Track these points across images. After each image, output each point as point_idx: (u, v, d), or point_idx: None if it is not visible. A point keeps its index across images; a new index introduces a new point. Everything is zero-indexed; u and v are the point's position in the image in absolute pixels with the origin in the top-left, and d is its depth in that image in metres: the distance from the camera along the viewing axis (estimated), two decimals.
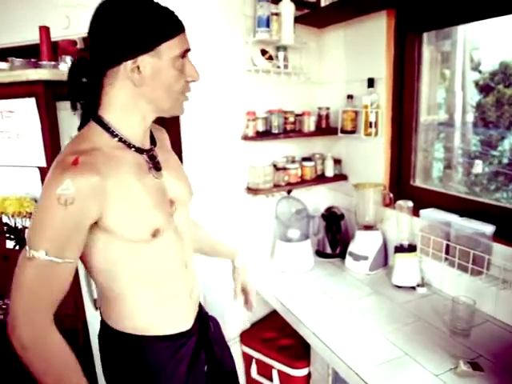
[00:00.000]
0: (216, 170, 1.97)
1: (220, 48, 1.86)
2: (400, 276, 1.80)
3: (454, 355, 1.33)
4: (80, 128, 1.00)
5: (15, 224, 1.51)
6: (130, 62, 0.91)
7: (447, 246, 1.63)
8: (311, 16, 2.00)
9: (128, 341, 1.06)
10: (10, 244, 1.55)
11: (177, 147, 2.00)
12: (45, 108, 1.40)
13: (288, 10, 1.91)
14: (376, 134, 1.95)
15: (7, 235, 1.50)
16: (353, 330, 1.53)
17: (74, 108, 0.99)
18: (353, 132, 2.07)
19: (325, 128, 2.16)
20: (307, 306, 1.72)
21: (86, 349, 1.68)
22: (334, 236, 2.16)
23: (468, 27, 2.00)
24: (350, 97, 2.06)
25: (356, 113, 2.06)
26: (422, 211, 1.76)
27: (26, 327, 0.86)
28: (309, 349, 1.80)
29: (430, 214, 1.73)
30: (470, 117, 2.26)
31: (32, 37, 1.61)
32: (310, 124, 2.08)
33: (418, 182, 2.00)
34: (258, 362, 2.03)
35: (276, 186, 2.04)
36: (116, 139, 0.97)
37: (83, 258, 0.97)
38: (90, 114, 0.98)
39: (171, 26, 0.94)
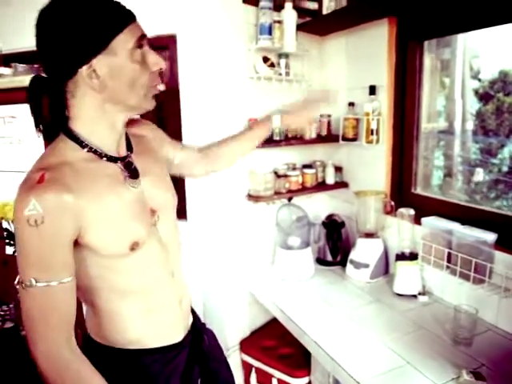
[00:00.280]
0: (217, 176, 1.96)
1: (223, 55, 1.86)
2: (401, 284, 1.79)
3: (456, 364, 1.32)
4: (49, 143, 0.95)
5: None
6: (84, 68, 0.85)
7: (449, 254, 1.62)
8: (313, 24, 2.01)
9: (115, 355, 1.02)
10: (9, 250, 1.55)
11: None
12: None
13: (290, 17, 1.91)
14: (377, 141, 1.95)
15: (7, 241, 1.50)
16: (354, 338, 1.52)
17: (38, 128, 0.92)
18: (354, 139, 2.07)
19: (326, 135, 2.16)
20: (308, 314, 1.71)
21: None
22: (335, 244, 2.15)
23: (468, 35, 2.00)
24: (351, 104, 2.07)
25: (357, 120, 2.06)
26: (423, 219, 1.76)
27: (41, 357, 0.84)
28: (309, 357, 1.79)
29: (432, 222, 1.73)
30: (470, 125, 2.26)
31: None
32: (311, 131, 2.08)
33: (419, 190, 1.99)
34: (258, 370, 2.02)
35: (277, 193, 2.03)
36: (85, 150, 0.91)
37: None
38: (60, 127, 0.93)
39: (118, 18, 0.86)
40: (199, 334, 1.20)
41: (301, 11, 2.00)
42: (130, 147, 1.04)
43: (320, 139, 2.15)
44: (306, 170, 2.14)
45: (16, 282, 0.85)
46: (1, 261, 1.58)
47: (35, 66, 1.47)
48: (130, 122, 1.05)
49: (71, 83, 0.88)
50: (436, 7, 1.70)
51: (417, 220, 1.80)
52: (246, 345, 2.12)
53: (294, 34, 1.95)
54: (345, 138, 2.09)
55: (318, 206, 2.37)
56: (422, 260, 1.76)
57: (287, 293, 1.91)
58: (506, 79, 2.08)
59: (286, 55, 2.00)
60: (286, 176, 2.06)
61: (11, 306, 1.64)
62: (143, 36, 0.91)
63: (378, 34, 1.94)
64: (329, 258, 2.17)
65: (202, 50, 1.86)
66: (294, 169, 2.14)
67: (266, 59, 1.94)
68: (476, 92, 2.23)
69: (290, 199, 2.17)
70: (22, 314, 0.85)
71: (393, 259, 1.95)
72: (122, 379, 1.01)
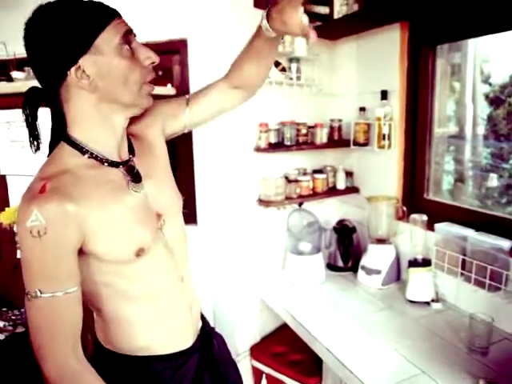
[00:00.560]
0: (228, 181, 1.96)
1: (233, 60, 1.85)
2: (414, 291, 1.77)
3: (472, 374, 1.29)
4: (50, 152, 0.94)
5: None
6: (72, 70, 0.84)
7: (463, 260, 1.60)
8: (324, 28, 2.00)
9: (125, 362, 1.01)
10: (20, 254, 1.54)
11: (189, 159, 2.00)
12: None
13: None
14: (389, 146, 1.94)
15: (18, 245, 1.49)
16: (367, 345, 1.50)
17: (32, 143, 0.91)
18: (365, 144, 2.06)
19: (337, 140, 2.15)
20: (319, 320, 1.69)
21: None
22: (346, 249, 2.13)
23: (479, 40, 1.99)
24: (362, 109, 2.05)
25: (368, 125, 2.04)
26: (436, 225, 1.73)
27: (48, 367, 0.84)
28: (320, 364, 1.77)
29: (445, 228, 1.71)
30: (481, 129, 2.24)
31: None
32: (322, 136, 2.07)
33: (431, 196, 1.97)
34: (269, 376, 2.00)
35: (288, 198, 2.02)
36: (86, 156, 0.90)
37: None
38: (60, 135, 0.92)
39: (99, 17, 0.85)
40: (209, 338, 1.19)
41: (312, 16, 1.98)
42: (131, 150, 1.02)
43: (331, 144, 2.14)
44: (317, 175, 2.13)
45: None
46: (12, 265, 1.58)
47: None
48: (129, 123, 1.01)
49: (63, 89, 0.88)
50: (449, 12, 1.69)
51: (429, 226, 1.77)
52: (256, 351, 2.10)
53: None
54: (356, 143, 2.07)
55: (329, 211, 2.36)
56: (435, 267, 1.74)
57: (298, 298, 1.90)
58: None
59: (297, 59, 1.99)
60: (296, 181, 2.04)
61: (22, 310, 1.63)
62: (129, 31, 0.89)
63: (389, 38, 1.92)
64: (340, 263, 2.15)
65: (213, 54, 1.85)
66: (305, 174, 2.13)
67: (277, 63, 1.93)
68: (486, 96, 2.22)
69: (300, 204, 2.16)
70: (28, 327, 0.84)
71: (405, 265, 1.93)
72: None
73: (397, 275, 1.99)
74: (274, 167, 2.04)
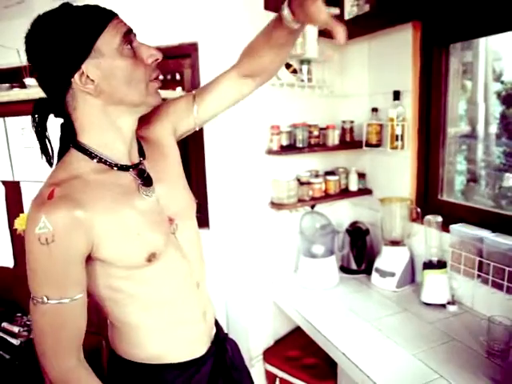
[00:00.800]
0: (240, 184, 1.95)
1: None
2: (429, 293, 1.74)
3: (492, 378, 1.27)
4: (59, 158, 0.94)
5: None
6: (76, 76, 0.83)
7: (480, 262, 1.58)
8: None
9: (139, 371, 1.00)
10: None
11: (200, 163, 2.00)
12: None
13: None
14: (402, 147, 1.91)
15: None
16: (383, 349, 1.48)
17: (46, 157, 0.91)
18: (378, 145, 2.04)
19: (349, 141, 2.14)
20: (334, 323, 1.68)
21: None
22: (359, 251, 2.12)
23: (490, 38, 1.97)
24: (374, 110, 2.04)
25: (381, 126, 2.03)
26: (451, 226, 1.71)
27: (52, 371, 0.85)
28: (334, 368, 1.75)
29: (461, 230, 1.68)
30: (493, 128, 2.22)
31: None
32: (334, 137, 2.05)
33: (445, 196, 1.95)
34: (282, 381, 1.98)
35: (300, 200, 2.01)
36: (95, 160, 0.89)
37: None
38: (69, 142, 0.92)
39: (97, 19, 0.84)
40: (222, 345, 1.17)
41: None
42: (142, 153, 1.00)
43: (343, 145, 2.12)
44: (329, 177, 2.11)
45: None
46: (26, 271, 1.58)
47: None
48: (138, 126, 0.99)
49: (70, 97, 0.87)
50: (462, 10, 1.67)
51: (444, 227, 1.75)
52: (269, 355, 2.09)
53: (316, 39, 1.93)
54: (368, 144, 2.06)
55: (341, 214, 2.34)
56: (451, 268, 1.71)
57: (312, 302, 1.88)
58: None
59: (308, 61, 1.98)
60: (309, 183, 2.03)
61: None
62: (129, 31, 0.88)
63: (401, 38, 1.91)
64: (353, 266, 2.13)
65: (224, 58, 1.84)
66: (317, 176, 2.12)
67: (288, 65, 1.92)
68: (498, 94, 2.19)
69: (312, 207, 2.15)
70: (33, 332, 0.85)
71: (419, 268, 1.91)
72: None
73: (411, 277, 1.96)
74: (285, 170, 2.03)
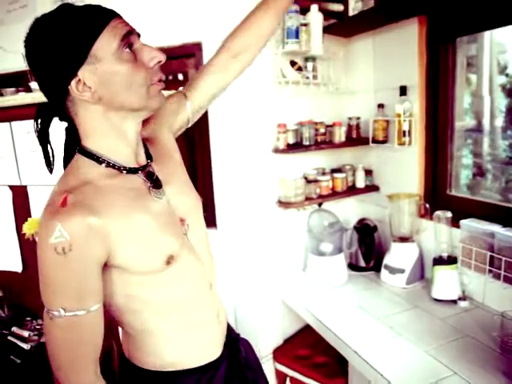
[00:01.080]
0: (246, 183, 1.95)
1: None
2: (440, 289, 1.73)
3: (508, 374, 1.26)
4: (65, 165, 0.91)
5: None
6: (73, 84, 0.80)
7: (491, 257, 1.56)
8: (339, 26, 1.97)
9: (152, 379, 0.98)
10: None
11: (207, 162, 1.99)
12: None
13: (316, 20, 1.88)
14: (410, 142, 1.90)
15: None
16: (395, 346, 1.47)
17: (48, 163, 0.90)
18: (384, 142, 2.03)
19: (356, 138, 2.12)
20: (345, 321, 1.67)
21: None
22: (368, 249, 2.11)
23: (494, 31, 1.95)
24: (380, 106, 2.02)
25: (387, 122, 2.01)
26: (462, 221, 1.70)
27: None
28: (345, 366, 1.75)
29: (471, 225, 1.67)
30: (499, 122, 2.20)
31: None
32: (340, 135, 2.04)
33: (454, 192, 1.93)
34: (293, 380, 1.98)
35: (307, 198, 2.00)
36: (104, 165, 0.86)
37: None
38: (74, 148, 0.89)
39: (92, 23, 0.79)
40: (235, 345, 1.16)
41: (325, 13, 1.96)
42: (148, 155, 0.97)
43: (349, 142, 2.11)
44: (336, 175, 2.10)
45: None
46: (37, 275, 1.58)
47: None
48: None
49: (69, 103, 0.85)
50: (468, 3, 1.65)
51: (453, 222, 1.74)
52: (279, 354, 2.08)
53: (321, 36, 1.92)
54: (375, 141, 2.04)
55: (348, 211, 2.33)
56: (462, 264, 1.70)
57: (321, 300, 1.88)
58: None
59: (313, 58, 1.97)
60: (316, 181, 2.02)
61: None
62: (129, 32, 0.83)
63: (407, 33, 1.89)
64: (361, 263, 2.12)
65: None
66: (324, 173, 2.11)
67: (293, 63, 1.91)
68: (503, 87, 2.17)
69: (320, 205, 2.14)
70: (47, 347, 0.82)
71: (428, 264, 1.90)
72: None
73: (420, 274, 1.95)
74: (292, 168, 2.02)
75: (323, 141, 2.01)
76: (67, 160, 0.91)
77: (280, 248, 2.10)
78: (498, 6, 1.56)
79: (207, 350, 1.04)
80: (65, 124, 0.93)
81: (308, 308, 1.82)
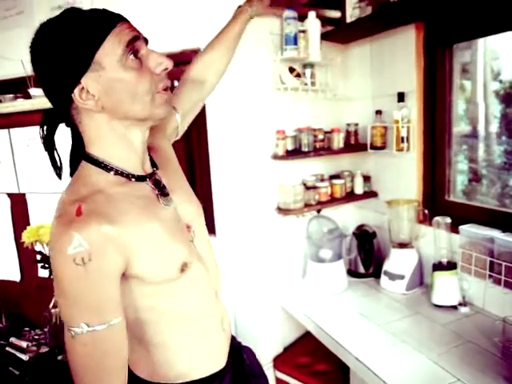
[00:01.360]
0: (245, 190, 1.94)
1: (248, 67, 1.84)
2: (440, 295, 1.73)
3: (510, 379, 1.25)
4: (72, 174, 0.90)
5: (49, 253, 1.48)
6: (76, 92, 0.78)
7: (491, 262, 1.57)
8: (337, 32, 1.98)
9: None
10: (44, 273, 1.52)
11: (206, 169, 1.98)
12: None
13: (314, 26, 1.89)
14: (408, 148, 1.91)
15: (42, 264, 1.47)
16: (397, 353, 1.46)
17: (55, 169, 0.88)
18: (383, 148, 2.03)
19: (354, 144, 2.13)
20: (346, 328, 1.66)
21: None
22: (367, 255, 2.10)
23: (488, 38, 1.97)
24: (378, 112, 2.03)
25: (385, 128, 2.02)
26: (461, 227, 1.70)
27: None
28: (346, 373, 1.74)
29: (471, 230, 1.67)
30: (494, 127, 2.22)
31: None
32: (339, 141, 2.04)
33: (452, 197, 1.94)
34: None
35: (307, 205, 1.99)
36: (112, 173, 0.85)
37: None
38: (80, 155, 0.88)
39: (96, 29, 0.78)
40: (238, 354, 1.15)
41: (323, 20, 1.97)
42: (152, 163, 0.97)
43: (348, 148, 2.11)
44: (335, 181, 2.10)
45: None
46: (35, 285, 1.56)
47: None
48: None
49: (74, 110, 0.84)
50: (465, 10, 1.67)
51: (452, 228, 1.74)
52: (279, 362, 2.07)
53: (319, 43, 1.93)
54: (373, 147, 2.05)
55: (346, 217, 2.33)
56: (462, 269, 1.70)
57: (321, 306, 1.87)
58: None
59: (311, 65, 1.97)
60: (315, 187, 2.01)
61: (46, 330, 1.61)
62: (136, 38, 0.81)
63: (404, 39, 1.90)
64: (361, 269, 2.12)
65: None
66: (323, 180, 2.11)
67: (291, 69, 1.91)
68: (497, 93, 2.19)
69: (318, 211, 2.13)
70: (70, 365, 0.78)
71: (427, 269, 1.90)
72: None
73: (420, 279, 1.95)
74: (291, 174, 2.02)
75: (322, 147, 2.01)
76: (73, 167, 0.90)
77: (279, 255, 2.09)
78: (494, 13, 1.58)
79: (214, 358, 1.04)
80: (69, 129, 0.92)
81: (308, 315, 1.81)
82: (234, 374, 1.09)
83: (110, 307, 0.78)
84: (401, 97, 1.91)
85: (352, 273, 2.15)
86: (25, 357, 1.68)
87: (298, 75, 1.94)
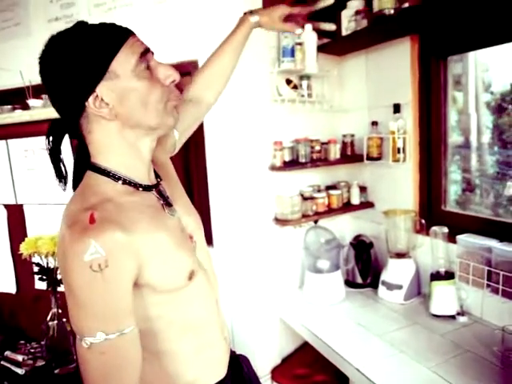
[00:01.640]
0: (243, 201, 1.94)
1: (245, 79, 1.85)
2: (438, 305, 1.74)
3: None
4: (75, 185, 0.90)
5: (47, 264, 1.47)
6: (90, 100, 0.80)
7: (489, 272, 1.58)
8: (333, 45, 2.01)
9: None
10: (41, 285, 1.50)
11: (203, 179, 1.98)
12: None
13: (311, 39, 1.91)
14: (404, 159, 1.93)
15: (39, 276, 1.45)
16: (397, 363, 1.46)
17: (59, 178, 0.88)
18: (379, 158, 2.05)
19: (350, 155, 2.15)
20: (345, 338, 1.66)
21: None
22: (364, 265, 2.11)
23: (478, 51, 2.01)
24: (374, 123, 2.05)
25: (381, 139, 2.04)
26: (458, 237, 1.71)
27: None
28: None
29: (468, 240, 1.68)
30: (486, 138, 2.24)
31: None
32: (335, 152, 2.06)
33: (449, 207, 1.96)
34: None
35: (304, 215, 2.00)
36: (120, 182, 0.86)
37: None
38: (84, 165, 0.88)
39: (112, 40, 0.80)
40: (236, 362, 1.15)
41: (319, 33, 1.99)
42: (156, 174, 0.98)
43: (344, 159, 2.13)
44: (332, 192, 2.11)
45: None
46: (32, 297, 1.54)
47: None
48: None
49: (84, 120, 0.84)
50: (458, 23, 1.70)
51: (450, 238, 1.75)
52: (277, 373, 2.06)
53: (315, 55, 1.95)
54: (369, 158, 2.07)
55: (343, 227, 2.34)
56: (459, 279, 1.71)
57: (319, 317, 1.87)
58: None
59: (308, 77, 2.00)
60: (312, 198, 2.02)
61: (42, 343, 1.59)
62: (146, 51, 0.85)
63: (399, 51, 1.93)
64: (358, 280, 2.12)
65: None
66: (319, 190, 2.12)
67: (288, 81, 1.93)
68: (488, 105, 2.22)
69: (315, 222, 2.14)
70: (84, 376, 0.77)
71: (425, 279, 1.91)
72: None
73: (417, 289, 1.96)
74: (288, 185, 2.03)
75: (319, 158, 2.02)
76: (76, 178, 0.90)
77: (277, 265, 2.09)
78: (488, 26, 1.61)
79: (217, 368, 1.04)
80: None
81: (306, 325, 1.81)
82: (233, 383, 1.08)
83: (125, 314, 0.78)
84: (397, 108, 1.93)
85: (349, 283, 2.15)
86: (20, 371, 1.64)
87: (295, 87, 1.95)
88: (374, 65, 2.10)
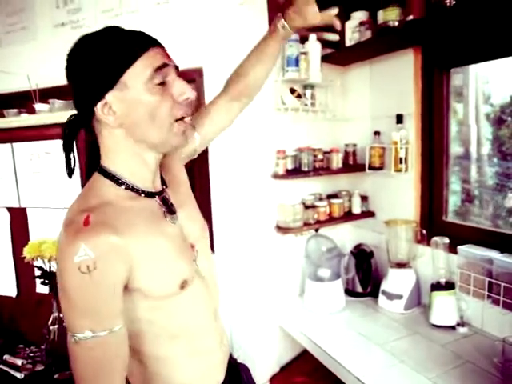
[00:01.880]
0: (245, 208, 1.95)
1: None
2: (439, 315, 1.74)
3: None
4: (88, 176, 0.92)
5: (50, 268, 1.46)
6: (99, 106, 0.82)
7: (490, 283, 1.58)
8: (337, 55, 2.03)
9: None
10: (44, 289, 1.50)
11: (205, 187, 1.99)
12: (85, 149, 1.38)
13: (315, 49, 1.93)
14: (406, 169, 1.94)
15: (42, 280, 1.45)
16: (397, 373, 1.46)
17: (68, 167, 0.90)
18: (381, 168, 2.06)
19: (352, 165, 2.16)
20: (344, 347, 1.66)
21: None
22: (365, 274, 2.11)
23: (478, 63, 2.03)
24: (376, 133, 2.06)
25: (384, 149, 2.05)
26: (459, 247, 1.72)
27: None
28: None
29: (469, 251, 1.69)
30: (486, 149, 2.26)
31: None
32: (338, 161, 2.07)
33: (450, 218, 1.96)
34: None
35: (306, 224, 2.00)
36: (123, 187, 0.87)
37: None
38: (95, 165, 0.91)
39: (129, 51, 0.81)
40: (236, 371, 1.15)
41: (323, 43, 2.01)
42: (162, 181, 0.99)
43: (346, 169, 2.14)
44: (334, 200, 2.12)
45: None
46: (33, 301, 1.54)
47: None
48: None
49: (95, 121, 0.86)
50: (462, 36, 1.71)
51: (450, 248, 1.76)
52: (276, 381, 2.05)
53: (319, 65, 1.96)
54: (371, 167, 2.08)
55: (344, 236, 2.34)
56: (460, 290, 1.71)
57: (319, 325, 1.87)
58: None
59: (312, 86, 2.01)
60: (314, 206, 2.03)
61: (42, 347, 1.58)
62: (165, 65, 0.84)
63: (402, 62, 1.95)
64: (358, 289, 2.12)
65: None
66: (321, 199, 2.12)
67: (292, 90, 1.94)
68: (488, 116, 2.24)
69: (316, 230, 2.14)
70: (73, 369, 0.80)
71: (425, 289, 1.91)
72: None
73: (417, 299, 1.96)
74: (290, 193, 2.04)
75: (321, 167, 2.03)
76: (90, 174, 0.92)
77: (277, 273, 2.09)
78: (490, 41, 1.63)
79: (212, 375, 1.04)
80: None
81: (306, 333, 1.81)
82: None
83: (113, 314, 0.80)
84: (399, 118, 1.94)
85: (350, 292, 2.15)
86: (19, 375, 1.63)
87: (299, 96, 1.97)
88: (378, 75, 2.11)
